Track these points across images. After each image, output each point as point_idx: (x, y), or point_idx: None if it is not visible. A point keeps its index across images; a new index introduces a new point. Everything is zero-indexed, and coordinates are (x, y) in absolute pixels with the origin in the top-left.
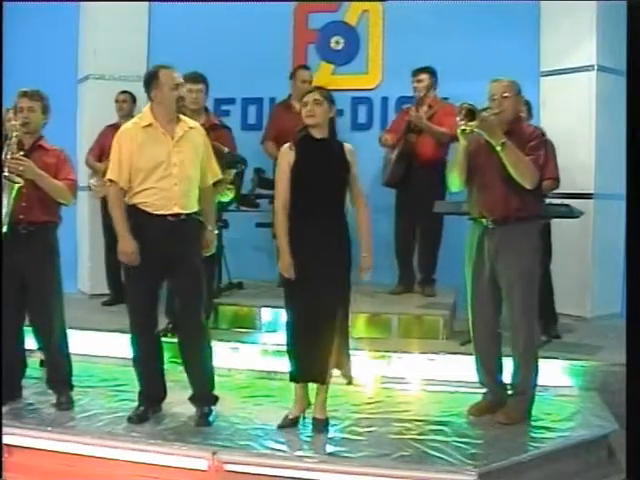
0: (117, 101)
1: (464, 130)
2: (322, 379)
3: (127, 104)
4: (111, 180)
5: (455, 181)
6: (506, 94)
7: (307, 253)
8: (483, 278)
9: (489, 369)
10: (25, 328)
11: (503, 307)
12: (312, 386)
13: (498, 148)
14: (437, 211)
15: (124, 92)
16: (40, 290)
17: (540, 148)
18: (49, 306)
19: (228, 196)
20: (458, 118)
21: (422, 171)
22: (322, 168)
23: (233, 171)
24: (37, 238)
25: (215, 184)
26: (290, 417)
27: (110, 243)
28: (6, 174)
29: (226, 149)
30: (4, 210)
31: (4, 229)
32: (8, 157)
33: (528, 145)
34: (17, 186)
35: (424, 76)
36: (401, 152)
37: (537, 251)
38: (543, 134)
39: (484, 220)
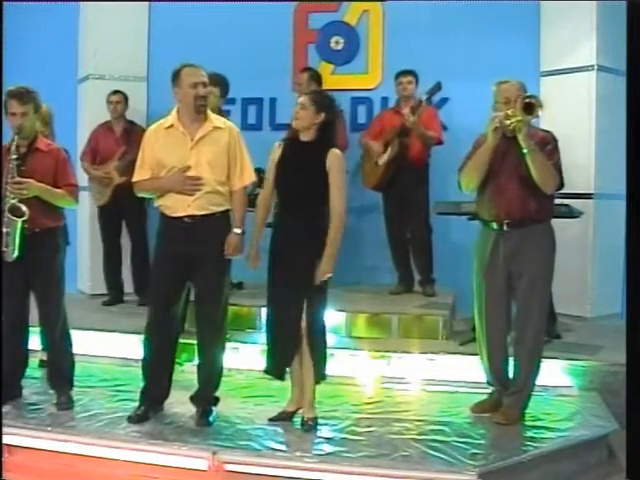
0: (110, 102)
1: (496, 128)
2: (277, 374)
3: (120, 105)
4: (134, 182)
5: (471, 183)
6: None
7: (277, 250)
8: (497, 283)
9: (498, 370)
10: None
11: (514, 308)
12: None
13: (525, 151)
14: (437, 212)
15: (117, 92)
16: (44, 290)
17: (555, 153)
18: (53, 305)
19: None
20: (509, 111)
21: (409, 173)
22: (298, 170)
23: None
24: (42, 239)
25: None
26: (283, 412)
27: (108, 250)
28: (11, 202)
29: None
30: (10, 247)
31: (16, 253)
32: (9, 180)
33: (544, 150)
34: (21, 221)
35: (411, 78)
36: (395, 155)
37: (554, 251)
38: (555, 139)
39: (496, 224)
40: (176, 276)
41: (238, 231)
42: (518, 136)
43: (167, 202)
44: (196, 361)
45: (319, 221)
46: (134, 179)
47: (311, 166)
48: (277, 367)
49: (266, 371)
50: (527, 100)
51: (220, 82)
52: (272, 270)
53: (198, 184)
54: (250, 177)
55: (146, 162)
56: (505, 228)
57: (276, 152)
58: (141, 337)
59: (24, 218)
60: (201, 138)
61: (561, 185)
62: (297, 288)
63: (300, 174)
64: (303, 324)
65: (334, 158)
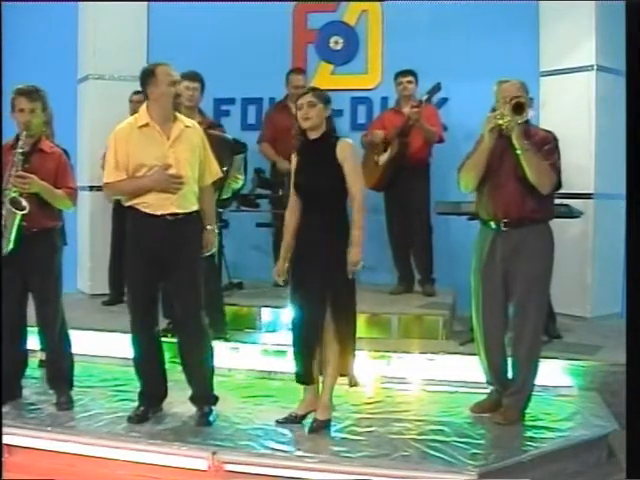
0: (131, 101)
1: (492, 128)
2: (306, 380)
3: (140, 105)
4: (108, 183)
5: (470, 183)
6: (521, 95)
7: (300, 252)
8: (495, 283)
9: (496, 369)
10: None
11: (511, 308)
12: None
13: (519, 151)
14: (437, 211)
15: (139, 92)
16: (42, 290)
17: (554, 153)
18: (51, 305)
19: (239, 182)
20: (503, 111)
21: (411, 173)
22: (313, 169)
23: (241, 156)
24: (40, 239)
25: (227, 172)
26: (291, 415)
27: (117, 249)
28: (13, 195)
29: (230, 136)
30: (5, 240)
31: (10, 246)
32: (13, 173)
33: (543, 149)
34: (20, 215)
35: (411, 77)
36: (395, 155)
37: (552, 252)
38: (555, 139)
39: (494, 223)
40: (157, 274)
41: (214, 228)
42: (511, 136)
43: (148, 200)
44: (181, 362)
45: (340, 216)
46: (107, 180)
47: (325, 162)
48: (303, 374)
49: (297, 379)
50: (516, 100)
51: (199, 79)
52: (296, 272)
53: (180, 182)
54: (218, 172)
55: (121, 162)
56: (503, 228)
57: (293, 162)
58: None
59: (24, 212)
60: (177, 137)
61: (558, 185)
62: (323, 286)
63: (316, 173)
64: (329, 322)
65: (344, 147)
